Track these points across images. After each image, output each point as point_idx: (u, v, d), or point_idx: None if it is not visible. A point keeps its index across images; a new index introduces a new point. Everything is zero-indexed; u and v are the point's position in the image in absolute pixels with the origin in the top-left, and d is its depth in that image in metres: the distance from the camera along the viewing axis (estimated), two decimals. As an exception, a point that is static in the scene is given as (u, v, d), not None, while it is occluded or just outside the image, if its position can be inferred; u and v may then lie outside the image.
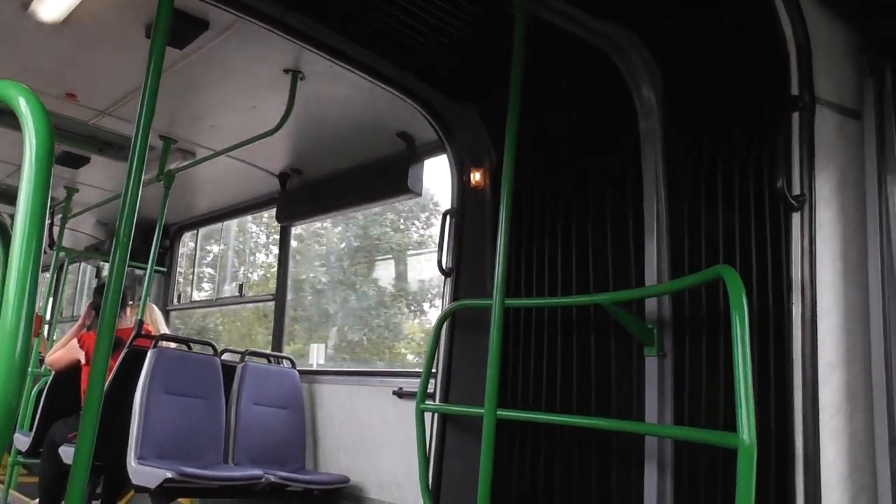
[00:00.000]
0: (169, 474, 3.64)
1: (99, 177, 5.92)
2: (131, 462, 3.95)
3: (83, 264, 8.84)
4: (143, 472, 3.82)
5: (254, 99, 4.26)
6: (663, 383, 2.79)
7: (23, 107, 1.23)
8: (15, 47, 3.84)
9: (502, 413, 3.03)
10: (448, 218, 3.90)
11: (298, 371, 4.95)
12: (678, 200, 2.89)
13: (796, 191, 2.37)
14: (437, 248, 3.90)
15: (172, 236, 7.07)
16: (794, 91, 2.43)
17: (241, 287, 6.04)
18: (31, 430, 5.12)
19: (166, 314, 6.84)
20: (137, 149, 2.14)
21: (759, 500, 2.30)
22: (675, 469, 2.72)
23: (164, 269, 7.00)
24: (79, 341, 4.84)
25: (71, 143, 5.17)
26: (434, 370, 3.81)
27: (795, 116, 2.41)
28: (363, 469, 4.45)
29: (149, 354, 4.25)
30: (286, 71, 3.91)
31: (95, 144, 5.24)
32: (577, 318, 3.26)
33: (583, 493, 3.07)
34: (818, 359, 2.25)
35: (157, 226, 4.98)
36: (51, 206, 6.81)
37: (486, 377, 3.71)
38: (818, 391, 2.22)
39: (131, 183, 2.08)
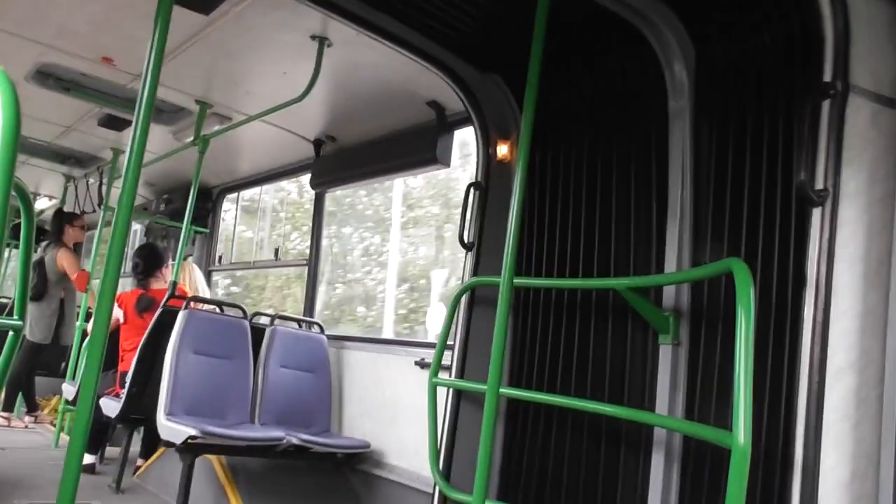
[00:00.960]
0: (192, 432, 3.76)
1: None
2: (161, 418, 4.09)
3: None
4: (170, 428, 3.96)
5: (283, 65, 4.25)
6: (676, 373, 2.73)
7: None
8: (50, 12, 3.90)
9: (505, 391, 3.02)
10: (472, 191, 3.85)
11: (327, 336, 5.02)
12: (703, 186, 2.78)
13: (819, 185, 2.24)
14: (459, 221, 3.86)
15: (215, 199, 7.19)
16: (827, 77, 2.27)
17: (276, 251, 6.12)
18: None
19: (207, 275, 7.01)
20: (143, 108, 2.14)
21: (757, 502, 2.25)
22: (683, 461, 2.67)
23: (207, 231, 7.15)
24: (117, 301, 5.01)
25: (112, 106, 5.28)
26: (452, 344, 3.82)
27: (825, 105, 2.26)
28: (385, 435, 4.51)
29: (179, 315, 4.37)
30: (313, 37, 3.87)
31: (135, 107, 5.33)
32: (596, 302, 3.20)
33: (590, 478, 3.05)
34: (827, 362, 2.15)
35: (192, 188, 5.05)
36: (99, 167, 7.01)
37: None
38: (824, 395, 2.13)
39: (136, 144, 2.09)
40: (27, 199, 2.03)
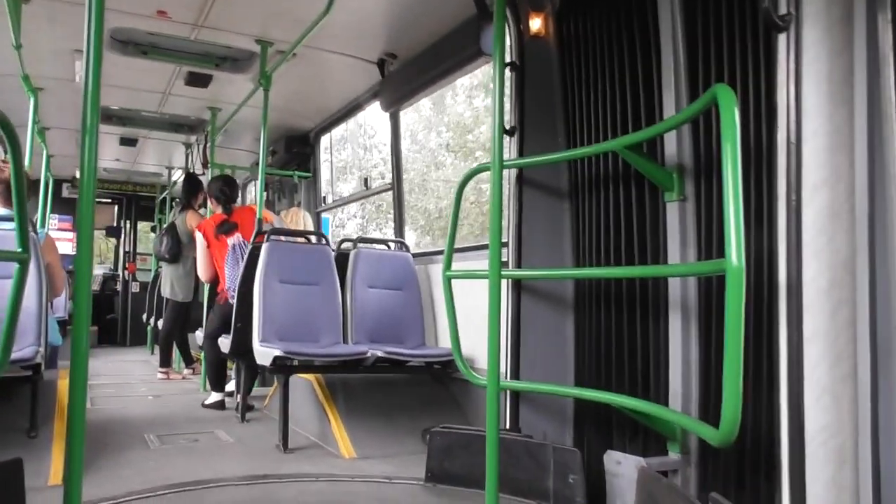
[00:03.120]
0: (277, 352, 4.31)
1: (229, 92, 6.62)
2: (255, 344, 4.69)
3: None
4: (261, 353, 4.55)
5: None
6: (685, 228, 2.81)
7: None
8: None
9: (507, 273, 3.21)
10: (507, 72, 3.93)
11: (413, 254, 5.39)
12: (692, 28, 2.79)
13: (782, 10, 2.29)
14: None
15: (312, 141, 7.75)
16: None
17: (365, 180, 6.55)
18: None
19: (317, 216, 7.64)
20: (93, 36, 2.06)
21: (752, 324, 2.42)
22: (699, 319, 2.76)
23: (309, 175, 7.75)
24: (199, 230, 5.68)
25: (188, 62, 5.86)
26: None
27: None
28: (476, 342, 4.81)
29: (263, 247, 4.92)
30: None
31: (211, 60, 5.90)
32: (609, 170, 3.29)
33: (619, 342, 3.24)
34: (802, 181, 2.24)
35: (262, 130, 5.50)
36: (205, 130, 7.75)
37: (559, 241, 3.87)
38: (802, 213, 2.24)
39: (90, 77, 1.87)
40: (9, 131, 2.28)
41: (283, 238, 5.14)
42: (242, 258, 5.33)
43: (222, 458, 4.22)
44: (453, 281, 4.10)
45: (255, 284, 4.84)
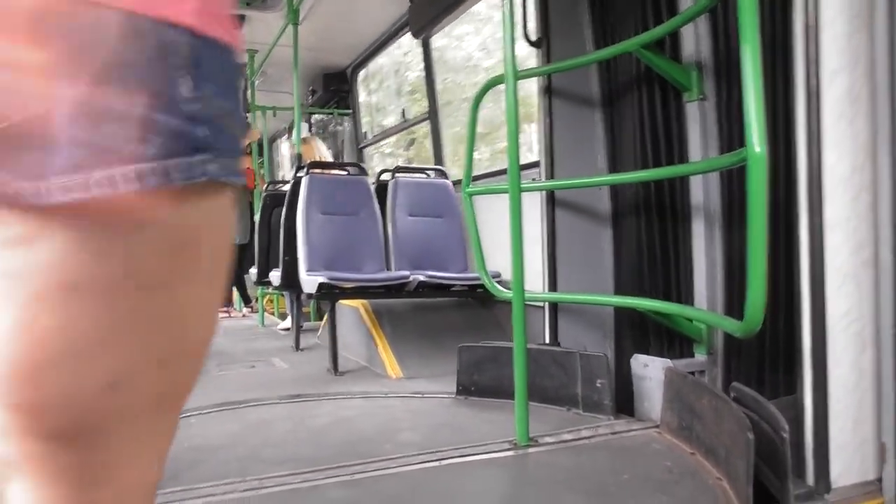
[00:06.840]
0: (322, 279, 4.44)
1: (264, 33, 6.62)
2: (302, 274, 4.83)
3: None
4: (307, 281, 4.69)
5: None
6: (706, 129, 2.74)
7: None
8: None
9: (526, 186, 3.19)
10: None
11: (452, 181, 5.41)
12: None
13: None
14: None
15: (350, 78, 7.73)
16: None
17: (403, 112, 6.54)
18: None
19: (359, 152, 7.70)
20: None
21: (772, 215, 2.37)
22: (724, 216, 2.73)
23: (350, 112, 7.77)
24: None
25: None
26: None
27: None
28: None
29: (302, 181, 5.01)
30: None
31: (239, -2, 5.89)
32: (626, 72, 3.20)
33: (651, 250, 3.22)
34: (821, 66, 2.14)
35: (293, 67, 5.51)
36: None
37: (592, 152, 3.80)
38: (821, 98, 2.14)
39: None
40: None
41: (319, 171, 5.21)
42: None
43: (276, 382, 4.41)
44: (495, 202, 4.10)
45: (298, 217, 4.95)
